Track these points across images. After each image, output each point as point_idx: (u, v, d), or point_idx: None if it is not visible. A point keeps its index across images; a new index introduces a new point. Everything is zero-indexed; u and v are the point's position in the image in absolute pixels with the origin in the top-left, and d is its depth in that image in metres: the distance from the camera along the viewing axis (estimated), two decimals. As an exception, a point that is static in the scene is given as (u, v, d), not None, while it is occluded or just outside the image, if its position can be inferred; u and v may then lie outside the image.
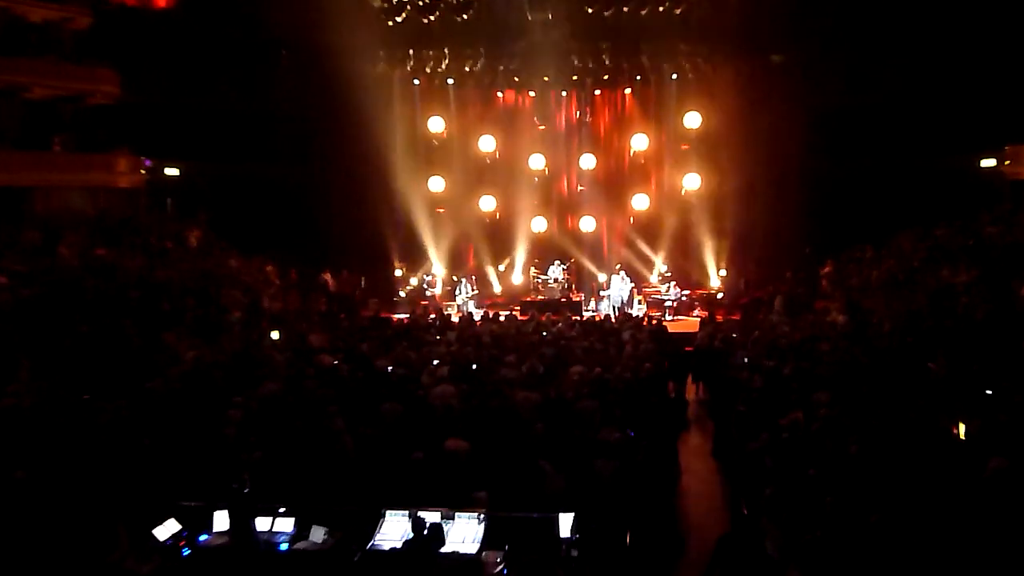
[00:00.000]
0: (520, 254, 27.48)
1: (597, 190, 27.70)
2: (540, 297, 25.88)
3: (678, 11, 24.83)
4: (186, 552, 8.40)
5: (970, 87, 23.84)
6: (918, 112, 24.27)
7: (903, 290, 18.92)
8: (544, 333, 18.13)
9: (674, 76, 26.62)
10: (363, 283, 26.49)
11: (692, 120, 26.52)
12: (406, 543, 8.08)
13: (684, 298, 24.88)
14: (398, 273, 27.19)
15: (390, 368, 14.55)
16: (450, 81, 27.25)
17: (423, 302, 25.34)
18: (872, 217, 23.27)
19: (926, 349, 14.23)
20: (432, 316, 22.02)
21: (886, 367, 13.46)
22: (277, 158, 26.35)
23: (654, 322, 20.33)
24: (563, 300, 25.26)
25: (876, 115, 24.73)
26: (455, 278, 25.96)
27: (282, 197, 25.52)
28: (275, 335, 18.22)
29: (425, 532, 7.98)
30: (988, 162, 24.09)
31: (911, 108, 24.37)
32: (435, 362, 14.92)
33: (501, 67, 26.56)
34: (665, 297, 24.52)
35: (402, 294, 26.50)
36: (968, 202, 21.88)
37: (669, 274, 25.66)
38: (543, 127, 27.71)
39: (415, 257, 27.33)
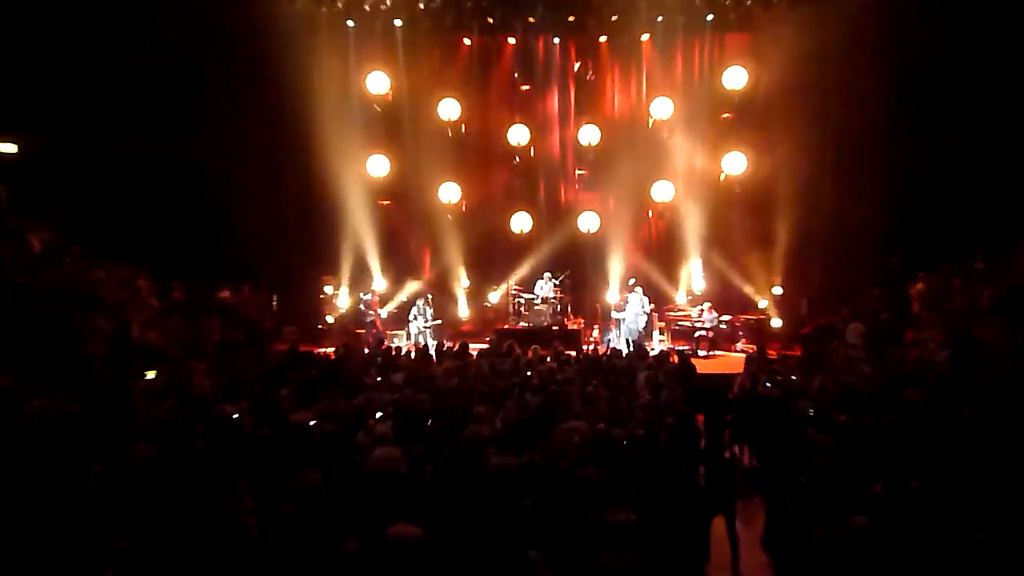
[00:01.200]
0: (496, 264, 27.53)
1: (603, 175, 27.91)
2: (523, 324, 26.00)
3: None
4: None
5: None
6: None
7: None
8: (528, 374, 18.11)
9: (709, 18, 26.89)
10: (275, 304, 26.41)
11: (735, 79, 26.76)
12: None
13: (723, 326, 25.02)
14: (325, 291, 27.17)
15: (312, 423, 14.50)
16: (398, 23, 27.40)
17: (359, 331, 25.33)
18: (984, 215, 23.46)
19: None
20: (372, 350, 21.96)
21: (1003, 424, 13.52)
22: (155, 130, 26.10)
23: (680, 359, 20.35)
24: (554, 328, 25.36)
25: (989, 72, 24.93)
26: (405, 298, 25.90)
27: (162, 185, 25.50)
28: (151, 376, 18.08)
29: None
30: None
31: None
32: (376, 415, 14.88)
33: (469, 2, 26.72)
34: (696, 324, 24.59)
35: (330, 320, 26.48)
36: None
37: (701, 292, 25.73)
38: (527, 87, 27.88)
39: (349, 269, 27.37)
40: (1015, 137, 24.62)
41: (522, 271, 27.36)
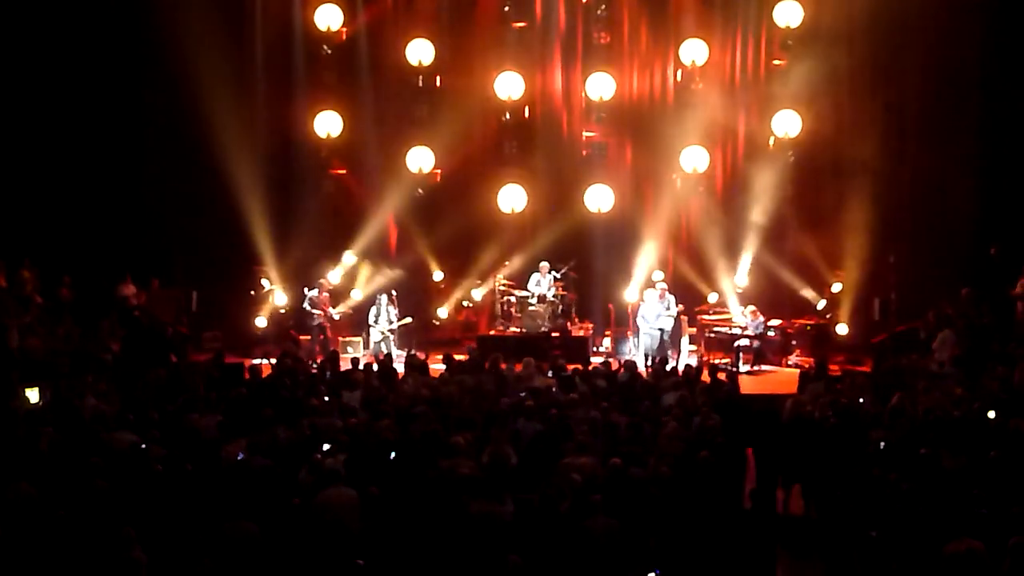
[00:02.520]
0: (479, 252, 27.64)
1: (617, 139, 27.99)
2: (514, 329, 26.08)
3: None
4: None
5: None
6: None
7: None
8: (522, 394, 18.13)
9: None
10: (194, 302, 26.37)
11: (788, 14, 26.64)
12: None
13: (771, 333, 25.02)
14: (261, 285, 27.13)
15: (241, 456, 14.51)
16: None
17: (304, 337, 25.33)
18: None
19: None
20: (320, 362, 21.96)
21: None
22: (37, 82, 26.06)
23: (719, 376, 20.40)
24: (554, 335, 25.43)
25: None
26: (361, 293, 25.92)
27: (47, 152, 25.47)
28: (33, 395, 18.06)
29: None
30: None
31: None
32: (324, 446, 14.89)
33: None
34: (738, 332, 24.63)
35: (262, 322, 26.42)
36: None
37: (744, 291, 25.77)
38: (521, 24, 27.88)
39: (290, 256, 27.35)
40: None
41: (514, 261, 27.36)
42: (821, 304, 26.12)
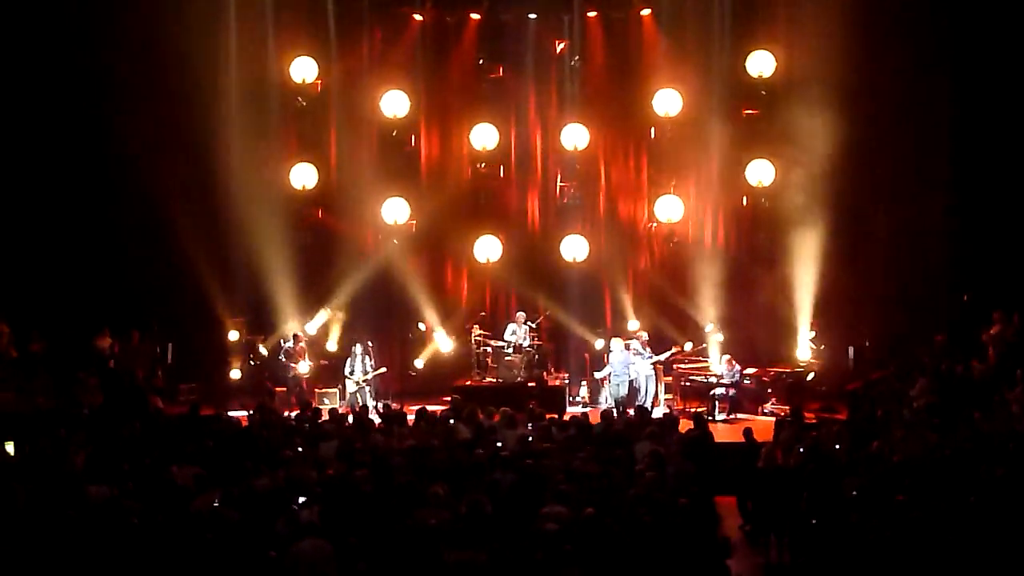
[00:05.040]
0: (455, 302, 27.57)
1: (592, 188, 28.06)
2: (490, 379, 26.05)
3: None
4: None
5: None
6: None
7: None
8: (498, 444, 18.16)
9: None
10: (170, 354, 26.31)
11: (761, 64, 26.93)
12: None
13: (747, 381, 25.07)
14: (232, 337, 27.09)
15: (216, 505, 14.47)
16: (331, -10, 27.63)
17: (279, 389, 25.30)
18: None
19: None
20: (295, 414, 21.93)
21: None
22: (9, 122, 26.11)
23: (693, 425, 20.43)
24: (530, 384, 25.41)
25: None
26: (335, 344, 25.90)
27: (22, 199, 25.43)
28: (8, 448, 17.96)
29: None
30: None
31: None
32: (300, 498, 14.87)
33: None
34: (713, 380, 24.68)
35: (237, 374, 26.36)
36: None
37: (720, 337, 25.83)
38: (495, 75, 28.01)
39: (264, 309, 27.34)
40: None
41: (488, 311, 27.38)
42: (800, 353, 26.10)
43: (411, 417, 20.93)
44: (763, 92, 26.97)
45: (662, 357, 25.17)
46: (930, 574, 11.25)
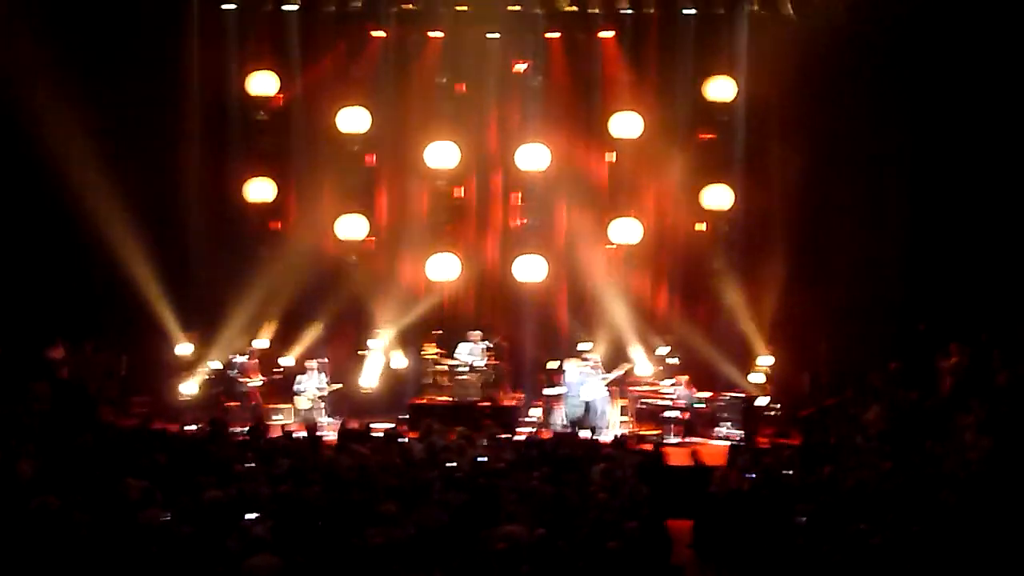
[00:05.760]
0: (409, 321, 27.60)
1: (551, 209, 28.09)
2: (444, 398, 25.99)
3: None
4: None
5: None
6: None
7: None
8: (451, 464, 18.14)
9: (690, 11, 27.18)
10: (124, 367, 26.16)
11: (720, 90, 27.10)
12: None
13: (701, 405, 25.10)
14: (183, 350, 26.89)
15: (166, 519, 14.38)
16: (290, 7, 27.51)
17: (231, 403, 25.20)
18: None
19: None
20: (246, 429, 21.84)
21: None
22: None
23: (646, 447, 20.43)
24: (484, 404, 25.34)
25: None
26: (288, 361, 25.80)
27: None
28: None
29: None
30: None
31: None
32: (251, 514, 14.79)
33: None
34: (667, 403, 24.71)
35: (189, 389, 26.23)
36: None
37: (675, 361, 25.86)
38: (456, 94, 28.00)
39: (216, 322, 27.13)
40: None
41: (444, 330, 27.31)
42: (753, 378, 26.15)
43: (370, 434, 20.94)
44: (724, 117, 27.13)
45: (612, 376, 25.21)
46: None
